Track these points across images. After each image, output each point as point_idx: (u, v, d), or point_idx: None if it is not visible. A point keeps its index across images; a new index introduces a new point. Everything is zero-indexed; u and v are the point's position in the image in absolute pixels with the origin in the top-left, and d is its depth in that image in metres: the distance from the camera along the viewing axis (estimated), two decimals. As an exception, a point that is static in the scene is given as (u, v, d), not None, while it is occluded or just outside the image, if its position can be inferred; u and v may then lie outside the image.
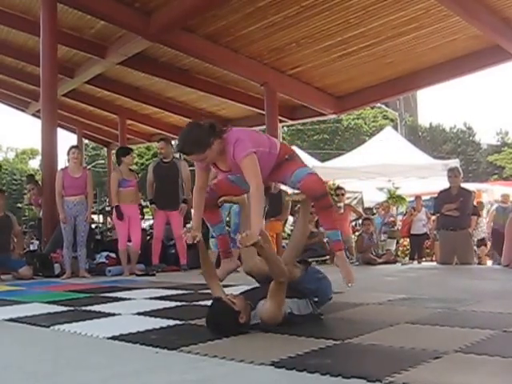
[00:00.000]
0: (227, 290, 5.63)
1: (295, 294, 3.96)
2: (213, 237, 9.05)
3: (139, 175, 10.18)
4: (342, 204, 11.89)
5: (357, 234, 12.94)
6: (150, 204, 9.81)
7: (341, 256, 4.52)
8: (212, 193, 4.50)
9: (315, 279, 4.18)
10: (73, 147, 9.59)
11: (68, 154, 9.28)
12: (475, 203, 11.59)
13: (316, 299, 4.06)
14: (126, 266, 9.30)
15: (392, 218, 14.60)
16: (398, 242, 14.80)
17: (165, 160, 9.73)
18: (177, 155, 10.28)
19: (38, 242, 13.12)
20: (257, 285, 4.26)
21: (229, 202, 4.59)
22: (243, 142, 3.96)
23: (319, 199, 4.28)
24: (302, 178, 4.20)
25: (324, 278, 4.24)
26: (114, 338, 3.66)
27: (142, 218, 10.62)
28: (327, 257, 10.89)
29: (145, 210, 10.88)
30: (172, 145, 10.23)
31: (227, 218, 9.53)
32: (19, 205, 40.60)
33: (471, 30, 10.75)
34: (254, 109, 14.98)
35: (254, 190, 3.86)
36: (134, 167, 9.71)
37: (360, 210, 14.50)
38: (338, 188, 12.31)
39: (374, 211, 16.96)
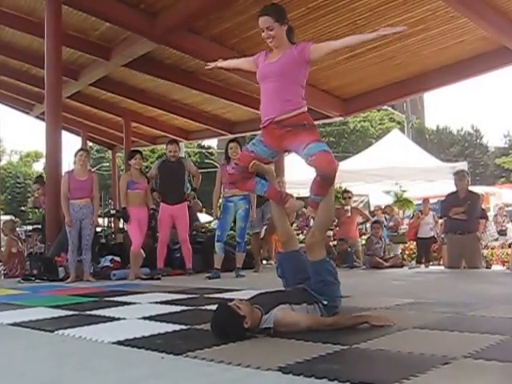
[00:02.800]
0: (233, 295, 5.61)
1: (304, 299, 3.97)
2: (218, 241, 9.04)
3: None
4: (348, 207, 11.87)
5: (364, 237, 12.91)
6: (152, 192, 9.73)
7: (309, 210, 4.64)
8: (237, 167, 4.65)
9: (329, 272, 4.24)
10: (81, 150, 9.62)
11: (75, 156, 9.26)
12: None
13: (325, 302, 4.05)
14: (134, 269, 9.26)
15: (392, 223, 14.54)
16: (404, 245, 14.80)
17: (171, 159, 9.73)
18: (183, 155, 10.33)
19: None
20: (268, 290, 4.25)
21: (258, 169, 4.56)
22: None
23: (324, 179, 4.28)
24: (315, 154, 4.17)
25: (338, 282, 4.30)
26: (119, 342, 3.64)
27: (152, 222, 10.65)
28: (335, 261, 10.86)
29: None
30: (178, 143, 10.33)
31: (231, 224, 9.54)
32: (23, 208, 40.73)
33: (479, 31, 10.74)
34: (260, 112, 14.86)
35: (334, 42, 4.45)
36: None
37: (366, 213, 14.45)
38: (345, 191, 12.30)
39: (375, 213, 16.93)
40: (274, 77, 4.42)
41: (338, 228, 12.19)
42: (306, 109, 4.43)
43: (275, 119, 4.38)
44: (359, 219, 12.26)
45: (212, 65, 5.14)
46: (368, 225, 13.34)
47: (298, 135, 4.29)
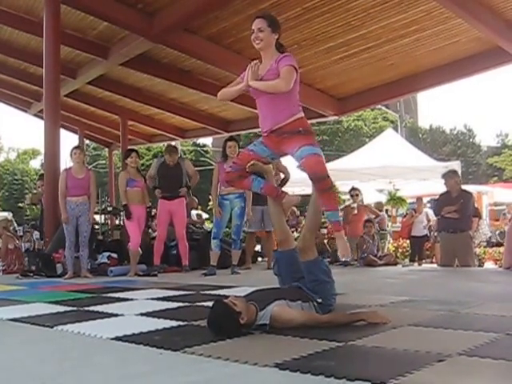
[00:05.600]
0: (229, 292, 5.65)
1: (299, 297, 4.02)
2: (214, 238, 9.07)
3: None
4: (355, 205, 11.86)
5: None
6: (154, 190, 9.72)
7: (339, 236, 4.51)
8: (235, 166, 4.71)
9: (323, 271, 4.31)
10: (75, 148, 9.59)
11: (70, 154, 9.28)
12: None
13: (320, 300, 4.10)
14: (134, 266, 9.31)
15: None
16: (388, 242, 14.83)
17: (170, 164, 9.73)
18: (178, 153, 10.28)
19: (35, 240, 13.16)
20: (264, 287, 4.30)
21: (256, 169, 4.63)
22: (293, 59, 4.53)
23: (318, 181, 4.33)
24: (305, 156, 4.29)
25: (332, 281, 4.36)
26: (117, 338, 3.67)
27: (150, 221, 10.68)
28: (329, 258, 10.88)
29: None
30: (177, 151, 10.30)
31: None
32: (20, 204, 40.76)
33: (472, 32, 10.78)
34: (256, 111, 14.82)
35: (278, 81, 4.38)
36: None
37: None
38: (353, 189, 12.26)
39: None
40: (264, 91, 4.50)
41: (347, 226, 12.06)
42: (301, 115, 4.50)
43: (272, 129, 4.48)
44: (370, 216, 12.11)
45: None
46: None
47: (292, 140, 4.38)
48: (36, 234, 12.98)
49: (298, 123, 4.44)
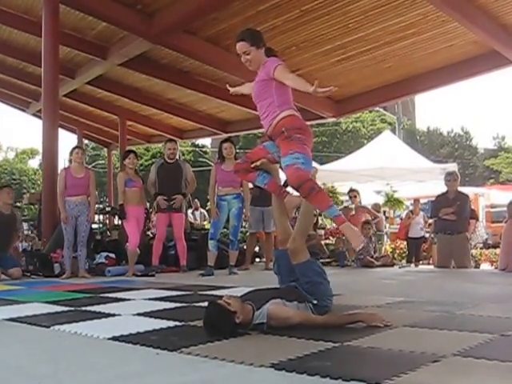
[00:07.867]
0: (226, 292, 5.66)
1: (296, 297, 4.03)
2: (212, 239, 9.07)
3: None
4: (353, 206, 11.86)
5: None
6: (156, 197, 9.66)
7: (344, 227, 4.34)
8: (246, 159, 4.83)
9: (316, 272, 4.32)
10: (76, 147, 9.61)
11: (71, 154, 9.30)
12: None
13: (315, 302, 4.12)
14: (132, 266, 9.32)
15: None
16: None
17: (169, 161, 9.76)
18: (181, 157, 10.32)
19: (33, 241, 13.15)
20: (261, 287, 4.31)
21: (262, 167, 4.68)
22: (276, 60, 4.56)
23: (297, 189, 4.36)
24: (284, 167, 4.41)
25: (326, 282, 4.37)
26: (114, 338, 3.68)
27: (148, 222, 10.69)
28: (328, 259, 10.89)
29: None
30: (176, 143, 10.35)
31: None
32: (18, 204, 40.76)
33: (469, 35, 10.83)
34: (254, 111, 14.89)
35: (293, 76, 4.45)
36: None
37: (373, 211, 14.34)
38: (351, 190, 12.27)
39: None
40: (255, 99, 4.71)
41: None
42: (285, 113, 4.51)
43: (268, 134, 4.63)
44: (367, 217, 12.11)
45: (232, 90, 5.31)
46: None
47: (280, 146, 4.47)
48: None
49: (283, 122, 4.48)
